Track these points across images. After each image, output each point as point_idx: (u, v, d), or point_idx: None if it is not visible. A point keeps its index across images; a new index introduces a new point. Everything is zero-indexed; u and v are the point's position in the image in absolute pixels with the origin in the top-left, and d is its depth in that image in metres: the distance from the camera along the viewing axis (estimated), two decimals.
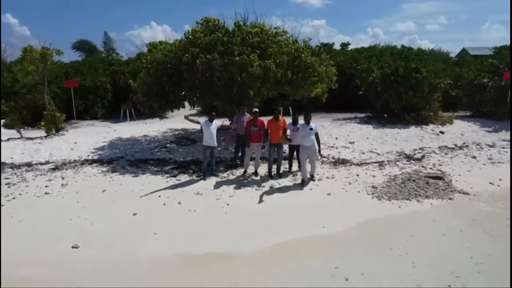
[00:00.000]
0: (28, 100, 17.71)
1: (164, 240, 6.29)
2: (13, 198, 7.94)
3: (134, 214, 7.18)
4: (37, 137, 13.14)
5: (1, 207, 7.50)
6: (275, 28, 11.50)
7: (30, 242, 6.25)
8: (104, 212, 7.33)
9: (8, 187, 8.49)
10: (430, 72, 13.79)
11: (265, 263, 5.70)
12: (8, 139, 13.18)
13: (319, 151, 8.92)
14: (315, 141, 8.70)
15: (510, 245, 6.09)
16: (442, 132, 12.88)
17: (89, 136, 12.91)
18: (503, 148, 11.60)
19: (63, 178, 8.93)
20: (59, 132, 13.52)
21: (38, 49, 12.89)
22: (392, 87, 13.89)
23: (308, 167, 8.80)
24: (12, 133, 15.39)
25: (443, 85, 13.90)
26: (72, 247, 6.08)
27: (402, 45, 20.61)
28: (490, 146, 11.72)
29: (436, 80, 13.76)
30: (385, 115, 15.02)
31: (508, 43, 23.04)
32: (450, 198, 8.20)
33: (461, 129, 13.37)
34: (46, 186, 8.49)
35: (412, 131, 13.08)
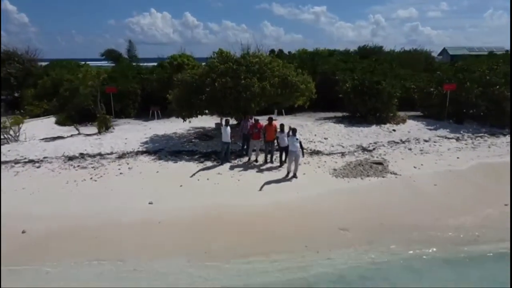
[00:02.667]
0: (74, 102, 21.75)
1: (201, 199, 10.47)
2: (100, 176, 12.13)
3: (181, 186, 11.37)
4: (93, 134, 17.29)
5: (84, 183, 11.72)
6: (271, 55, 15.52)
7: (123, 201, 10.42)
8: (161, 185, 11.49)
9: (94, 169, 12.66)
10: (388, 84, 17.81)
11: (262, 212, 9.89)
12: (71, 135, 17.34)
13: (302, 154, 12.40)
14: (299, 147, 12.16)
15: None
16: (394, 130, 16.95)
17: (133, 133, 17.04)
18: (435, 142, 15.69)
19: (128, 164, 13.11)
20: (108, 130, 17.66)
21: (95, 69, 16.97)
22: (360, 95, 17.93)
23: (292, 166, 12.31)
24: (66, 129, 19.50)
25: (398, 94, 17.93)
26: (149, 203, 10.27)
27: (374, 60, 24.43)
28: (425, 141, 15.81)
29: (393, 90, 17.77)
30: (357, 115, 19.06)
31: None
32: (383, 177, 12.35)
33: (409, 128, 17.44)
34: (119, 169, 12.68)
35: (372, 129, 17.16)
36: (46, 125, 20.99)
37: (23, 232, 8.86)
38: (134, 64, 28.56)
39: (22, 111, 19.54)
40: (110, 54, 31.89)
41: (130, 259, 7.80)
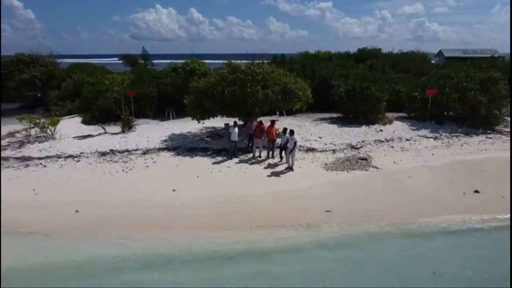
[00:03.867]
0: (98, 104, 24.08)
1: (215, 188, 12.74)
2: (130, 169, 14.45)
3: (197, 177, 13.67)
4: (118, 133, 19.62)
5: (117, 174, 14.03)
6: (273, 64, 17.73)
7: (151, 189, 12.72)
8: (181, 176, 13.79)
9: (124, 163, 14.99)
10: (377, 89, 19.96)
11: (263, 198, 12.15)
12: (99, 134, 19.69)
13: (294, 150, 14.81)
14: (295, 146, 14.56)
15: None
16: (381, 130, 19.11)
17: (153, 132, 19.36)
18: (415, 141, 17.83)
19: (152, 159, 15.44)
20: (131, 129, 19.99)
21: (120, 76, 19.30)
22: (352, 99, 20.10)
23: (290, 161, 14.61)
24: (92, 128, 21.81)
25: (385, 98, 20.07)
26: (173, 190, 12.57)
27: (368, 66, 26.62)
28: (407, 140, 17.96)
29: (381, 94, 19.92)
30: (350, 116, 21.24)
31: None
32: (366, 170, 14.56)
33: (395, 128, 19.59)
34: (145, 163, 15.00)
35: (362, 129, 19.34)
36: (73, 124, 23.32)
37: (76, 211, 11.22)
38: (149, 67, 31.01)
39: (57, 112, 21.87)
40: (128, 59, 34.41)
41: (163, 232, 10.11)
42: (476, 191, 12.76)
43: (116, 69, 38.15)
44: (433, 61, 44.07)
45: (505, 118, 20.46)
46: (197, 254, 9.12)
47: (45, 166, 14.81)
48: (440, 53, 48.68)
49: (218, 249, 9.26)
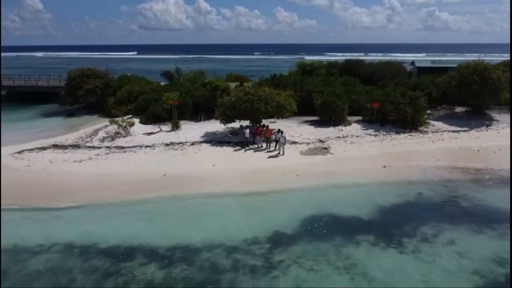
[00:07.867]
0: (151, 109, 33.25)
1: (236, 164, 21.91)
2: (186, 154, 23.65)
3: (226, 158, 22.86)
4: (169, 131, 28.81)
5: (179, 156, 23.32)
6: (271, 89, 26.82)
7: (200, 164, 21.91)
8: (216, 158, 22.92)
9: (181, 150, 24.19)
10: (341, 102, 28.87)
11: (264, 171, 21.34)
12: (157, 132, 28.90)
13: (284, 143, 24.03)
14: (285, 140, 23.77)
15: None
16: (342, 130, 27.99)
17: (193, 130, 28.53)
18: (362, 137, 26.67)
19: (198, 147, 24.64)
20: (178, 128, 29.17)
21: (172, 94, 28.54)
22: (324, 109, 29.04)
23: (281, 150, 23.99)
24: (150, 127, 30.98)
25: (347, 108, 28.98)
26: (212, 165, 21.78)
27: (344, 81, 35.59)
28: (357, 136, 26.80)
29: (343, 106, 28.80)
30: (324, 120, 30.14)
31: None
32: (325, 155, 23.59)
33: (352, 128, 28.42)
34: (194, 150, 24.20)
35: (330, 129, 28.21)
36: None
37: (164, 175, 20.51)
38: (182, 80, 40.47)
39: (116, 114, 31.00)
40: (167, 75, 44.13)
41: (212, 185, 19.34)
42: (384, 166, 21.80)
43: (138, 71, 47.80)
44: (408, 69, 52.31)
45: (429, 121, 29.27)
46: (230, 194, 18.39)
47: (135, 152, 24.11)
48: (413, 62, 56.79)
49: (240, 191, 18.55)
